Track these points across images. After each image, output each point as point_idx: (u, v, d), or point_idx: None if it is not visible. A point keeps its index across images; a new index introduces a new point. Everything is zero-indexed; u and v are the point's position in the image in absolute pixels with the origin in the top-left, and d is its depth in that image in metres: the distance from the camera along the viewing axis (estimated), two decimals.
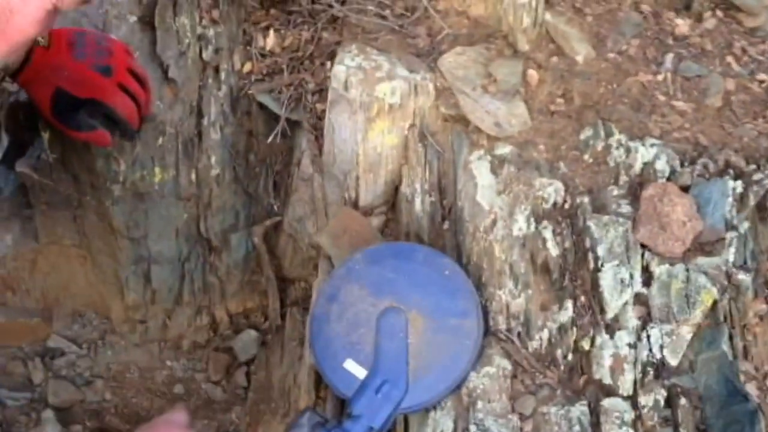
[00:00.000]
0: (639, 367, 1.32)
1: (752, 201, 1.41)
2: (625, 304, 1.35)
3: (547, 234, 1.41)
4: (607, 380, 1.32)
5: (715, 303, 1.34)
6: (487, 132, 1.54)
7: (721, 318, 1.34)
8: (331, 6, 1.72)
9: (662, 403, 1.30)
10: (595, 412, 1.31)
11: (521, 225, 1.44)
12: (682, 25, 1.66)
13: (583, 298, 1.37)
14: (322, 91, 1.72)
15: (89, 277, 1.77)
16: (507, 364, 1.37)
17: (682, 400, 1.30)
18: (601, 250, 1.37)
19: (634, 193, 1.43)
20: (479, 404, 1.33)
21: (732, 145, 1.50)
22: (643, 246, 1.38)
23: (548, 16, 1.61)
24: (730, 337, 1.33)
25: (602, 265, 1.36)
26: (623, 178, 1.45)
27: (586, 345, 1.35)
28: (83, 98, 1.40)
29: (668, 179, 1.44)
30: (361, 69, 1.58)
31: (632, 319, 1.34)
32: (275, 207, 1.85)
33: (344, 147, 1.64)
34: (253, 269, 1.89)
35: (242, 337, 1.94)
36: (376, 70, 1.58)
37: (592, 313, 1.36)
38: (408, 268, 1.42)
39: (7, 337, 1.74)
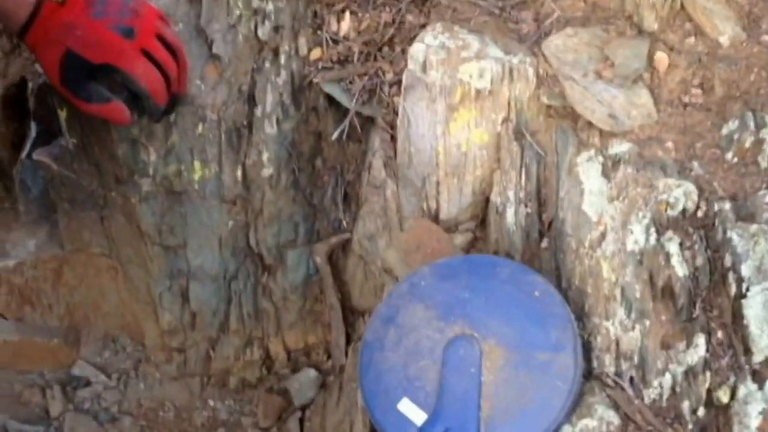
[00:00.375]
0: None
1: None
2: None
3: (672, 248, 1.07)
4: None
5: None
6: (599, 126, 1.22)
7: None
8: None
9: None
10: None
11: (638, 237, 1.10)
12: None
13: (720, 334, 1.02)
14: (401, 83, 1.44)
15: (121, 293, 1.52)
16: (614, 418, 1.03)
17: None
18: (746, 270, 1.01)
19: None
20: None
21: None
22: None
23: None
24: None
25: (748, 290, 1.01)
26: None
27: (724, 397, 0.99)
28: (97, 63, 1.16)
29: None
30: (444, 48, 1.29)
31: None
32: (344, 223, 1.57)
33: (422, 144, 1.34)
34: (316, 296, 1.60)
35: (300, 377, 1.65)
36: (462, 49, 1.29)
37: (733, 353, 1.00)
38: (486, 287, 1.11)
39: (22, 359, 1.49)
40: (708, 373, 1.00)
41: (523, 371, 1.04)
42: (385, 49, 1.47)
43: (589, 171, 1.20)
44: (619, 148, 1.20)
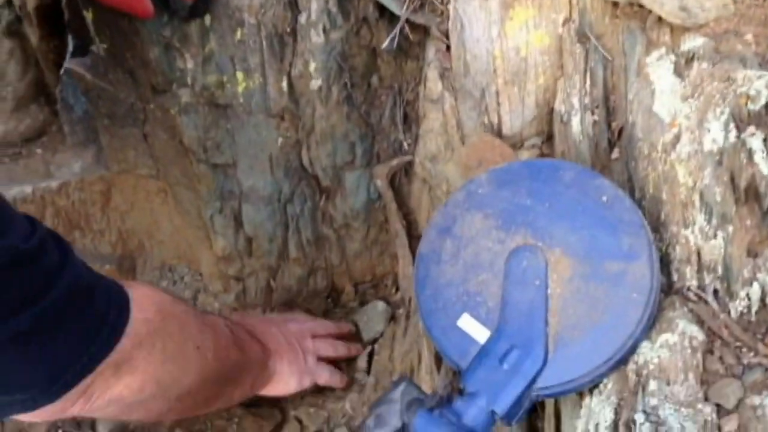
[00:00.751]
0: None
1: None
2: None
3: (755, 144, 0.96)
4: None
5: None
6: (670, 20, 1.11)
7: None
8: None
9: None
10: None
11: (715, 135, 1.00)
12: None
13: None
14: None
15: (174, 218, 1.47)
16: (697, 333, 0.94)
17: None
18: None
19: None
20: (653, 385, 0.91)
21: None
22: None
23: None
24: None
25: None
26: None
27: None
28: None
29: None
30: None
31: None
32: (405, 145, 1.48)
33: (477, 50, 1.25)
34: (381, 224, 1.53)
35: (367, 310, 1.58)
36: None
37: None
38: (550, 193, 1.02)
39: None
40: None
41: (594, 283, 0.95)
42: None
43: (659, 70, 1.10)
44: (693, 43, 1.08)
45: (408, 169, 1.50)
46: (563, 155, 1.20)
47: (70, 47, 1.31)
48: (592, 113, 1.18)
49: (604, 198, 0.99)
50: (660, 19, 1.12)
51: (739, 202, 0.96)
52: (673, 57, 1.10)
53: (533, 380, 0.95)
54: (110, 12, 1.15)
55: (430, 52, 1.34)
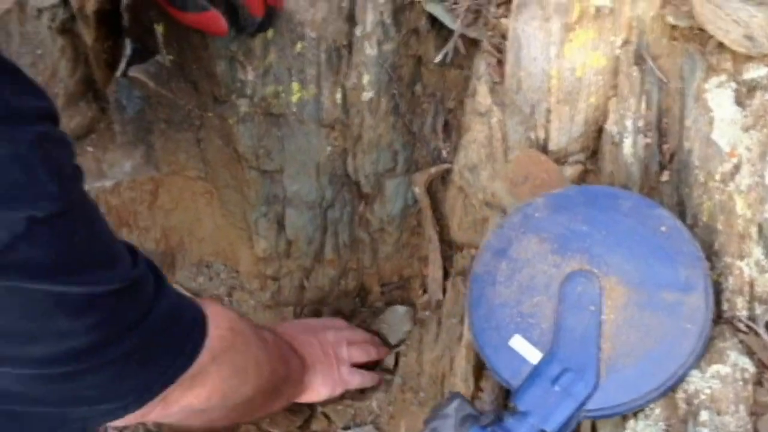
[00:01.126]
0: None
1: None
2: None
3: None
4: None
5: None
6: (734, 48, 1.12)
7: None
8: None
9: None
10: None
11: None
12: None
13: None
14: (509, 2, 1.35)
15: (217, 218, 1.49)
16: (748, 364, 0.96)
17: None
18: None
19: None
20: (703, 416, 0.93)
21: None
22: None
23: None
24: None
25: None
26: None
27: None
28: None
29: None
30: None
31: None
32: (444, 153, 1.50)
33: (533, 68, 1.26)
34: (413, 228, 1.55)
35: (386, 317, 1.60)
36: None
37: None
38: (607, 220, 1.03)
39: None
40: None
41: (649, 311, 0.97)
42: None
43: (719, 98, 1.11)
44: (757, 72, 1.10)
45: (445, 176, 1.52)
46: (611, 175, 1.21)
47: (128, 51, 1.34)
48: (645, 136, 1.19)
49: (663, 228, 1.00)
50: (721, 44, 1.13)
51: None
52: (734, 85, 1.11)
53: (583, 402, 0.97)
54: (182, 27, 1.17)
55: (481, 65, 1.36)
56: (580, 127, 1.28)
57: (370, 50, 1.34)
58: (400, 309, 1.60)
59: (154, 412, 0.99)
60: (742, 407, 0.93)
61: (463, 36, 1.38)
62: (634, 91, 1.20)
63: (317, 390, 1.39)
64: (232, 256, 1.54)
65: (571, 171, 1.30)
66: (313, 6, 1.28)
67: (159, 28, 1.26)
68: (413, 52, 1.42)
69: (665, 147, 1.20)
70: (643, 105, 1.20)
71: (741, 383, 0.94)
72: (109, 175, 1.40)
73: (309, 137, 1.36)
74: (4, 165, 0.76)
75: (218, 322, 1.04)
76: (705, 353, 0.97)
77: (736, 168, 1.05)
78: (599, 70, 1.22)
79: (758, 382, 0.96)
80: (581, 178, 1.31)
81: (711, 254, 1.05)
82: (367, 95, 1.36)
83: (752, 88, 1.08)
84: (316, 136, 1.37)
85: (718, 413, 0.92)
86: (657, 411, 0.96)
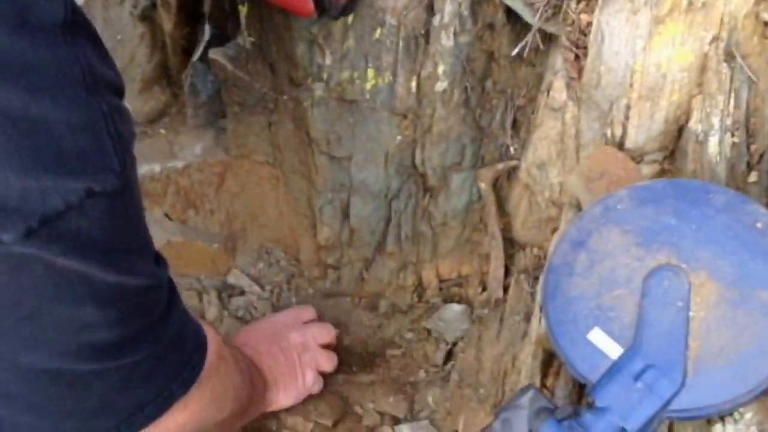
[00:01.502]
0: None
1: None
2: None
3: None
4: None
5: None
6: None
7: None
8: None
9: None
10: None
11: None
12: None
13: None
14: None
15: (280, 205, 1.48)
16: None
17: None
18: None
19: None
20: None
21: None
22: None
23: None
24: None
25: None
26: None
27: None
28: None
29: None
30: None
31: None
32: (511, 149, 1.47)
33: (615, 63, 1.24)
34: (475, 224, 1.53)
35: (442, 315, 1.58)
36: None
37: None
38: (698, 215, 1.00)
39: (183, 261, 1.48)
40: None
41: (742, 310, 0.93)
42: None
43: None
44: None
45: (511, 173, 1.50)
46: (694, 174, 1.18)
47: (207, 36, 1.34)
48: (732, 135, 1.16)
49: (759, 225, 0.97)
50: None
51: None
52: None
53: (668, 402, 0.94)
54: (268, 8, 1.17)
55: (557, 60, 1.33)
56: (660, 125, 1.25)
57: (446, 41, 1.33)
58: (457, 307, 1.58)
59: None
60: None
61: (540, 31, 1.36)
62: (722, 89, 1.17)
63: (279, 403, 1.35)
64: (293, 243, 1.53)
65: (647, 170, 1.27)
66: None
67: (243, 10, 1.26)
68: (487, 46, 1.40)
69: (753, 147, 1.17)
70: (732, 103, 1.17)
71: None
72: (180, 156, 1.40)
73: (380, 125, 1.35)
74: (75, 131, 0.73)
75: (211, 343, 1.00)
76: None
77: None
78: (685, 67, 1.20)
79: None
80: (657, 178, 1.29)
81: None
82: (441, 85, 1.34)
83: None
84: (387, 125, 1.35)
85: None
86: (748, 415, 0.92)
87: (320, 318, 1.47)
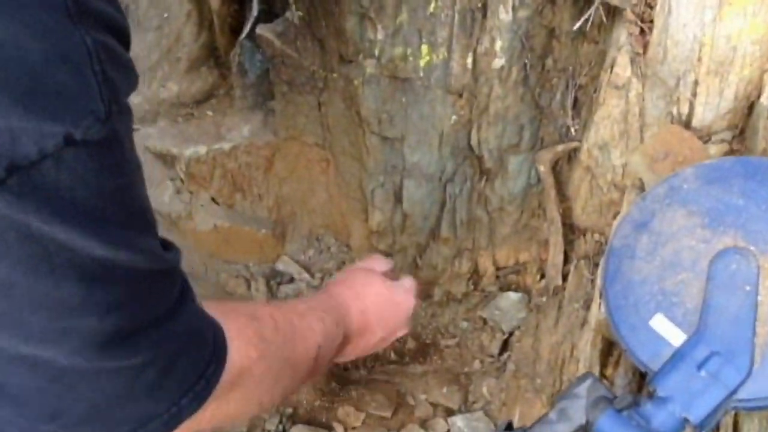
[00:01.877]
0: None
1: None
2: None
3: None
4: None
5: None
6: None
7: None
8: None
9: None
10: None
11: None
12: None
13: None
14: None
15: (331, 189, 1.45)
16: None
17: None
18: None
19: None
20: None
21: None
22: None
23: None
24: None
25: None
26: None
27: None
28: None
29: None
30: None
31: None
32: (572, 130, 1.42)
33: (682, 36, 1.17)
34: (533, 209, 1.47)
35: (498, 304, 1.53)
36: None
37: None
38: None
39: (230, 248, 1.45)
40: None
41: None
42: None
43: None
44: None
45: (571, 156, 1.44)
46: (765, 153, 1.11)
47: (254, 12, 1.30)
48: None
49: None
50: None
51: None
52: None
53: (734, 391, 0.88)
54: None
55: (622, 35, 1.27)
56: (730, 103, 1.18)
57: (504, 15, 1.27)
58: (513, 295, 1.54)
59: None
60: None
61: (603, 4, 1.29)
62: None
63: (375, 335, 1.18)
64: (344, 229, 1.50)
65: (715, 150, 1.21)
66: None
67: None
68: (547, 22, 1.34)
69: None
70: None
71: None
72: (228, 138, 1.37)
73: (434, 105, 1.30)
74: (52, 63, 0.61)
75: (238, 345, 0.83)
76: None
77: None
78: (757, 39, 1.12)
79: None
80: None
81: None
82: (499, 62, 1.29)
83: None
84: (442, 104, 1.30)
85: None
86: None
87: None
